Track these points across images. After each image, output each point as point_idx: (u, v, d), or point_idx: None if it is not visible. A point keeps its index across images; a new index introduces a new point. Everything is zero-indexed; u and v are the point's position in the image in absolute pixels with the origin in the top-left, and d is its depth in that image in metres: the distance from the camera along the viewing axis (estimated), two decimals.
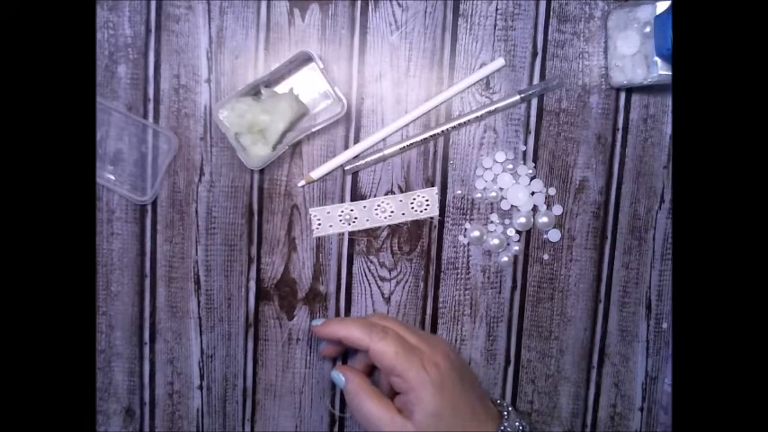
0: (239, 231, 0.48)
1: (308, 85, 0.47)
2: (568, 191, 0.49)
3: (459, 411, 0.41)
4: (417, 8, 0.47)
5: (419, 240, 0.49)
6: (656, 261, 0.49)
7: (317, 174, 0.48)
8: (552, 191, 0.48)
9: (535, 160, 0.48)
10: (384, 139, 0.48)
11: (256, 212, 0.48)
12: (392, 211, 0.48)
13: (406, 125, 0.48)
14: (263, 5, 0.47)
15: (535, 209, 0.49)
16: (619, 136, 0.48)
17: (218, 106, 0.45)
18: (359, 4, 0.47)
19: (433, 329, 0.49)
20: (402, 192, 0.48)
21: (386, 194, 0.48)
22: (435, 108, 0.48)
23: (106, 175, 0.47)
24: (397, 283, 0.49)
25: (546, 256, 0.49)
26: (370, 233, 0.49)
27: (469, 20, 0.47)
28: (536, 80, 0.48)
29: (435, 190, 0.48)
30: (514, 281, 0.49)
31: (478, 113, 0.47)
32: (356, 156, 0.48)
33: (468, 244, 0.49)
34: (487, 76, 0.48)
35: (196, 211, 0.48)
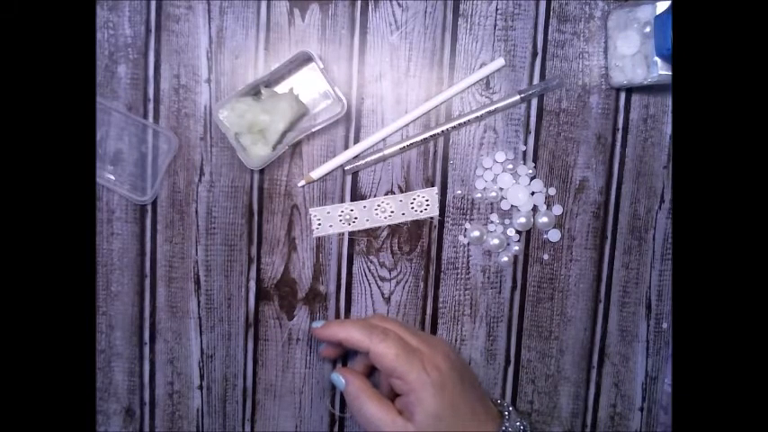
0: (239, 231, 0.48)
1: (308, 85, 0.47)
2: (568, 191, 0.49)
3: (459, 412, 0.41)
4: (417, 8, 0.47)
5: (419, 240, 0.49)
6: (656, 261, 0.49)
7: (317, 174, 0.48)
8: (552, 191, 0.48)
9: (535, 160, 0.48)
10: (384, 139, 0.48)
11: (256, 212, 0.48)
12: (392, 211, 0.48)
13: (406, 125, 0.48)
14: (263, 5, 0.47)
15: (535, 209, 0.49)
16: (619, 136, 0.48)
17: (218, 106, 0.45)
18: (359, 4, 0.47)
19: (433, 329, 0.49)
20: (402, 192, 0.48)
21: (386, 194, 0.48)
22: (435, 108, 0.48)
23: (106, 175, 0.47)
24: (397, 283, 0.49)
25: (546, 256, 0.49)
26: (370, 233, 0.49)
27: (469, 20, 0.47)
28: (536, 80, 0.48)
29: (435, 190, 0.48)
30: (514, 281, 0.49)
31: (478, 113, 0.47)
32: (356, 156, 0.48)
33: (468, 244, 0.49)
34: (487, 76, 0.48)
35: (196, 211, 0.48)
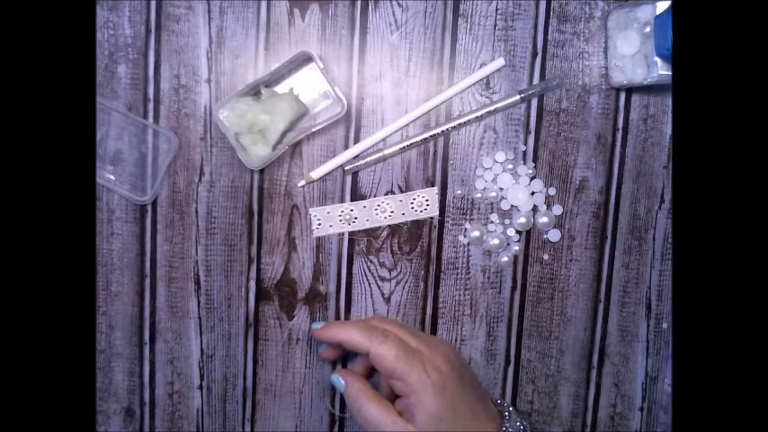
0: (239, 231, 0.48)
1: (308, 85, 0.47)
2: (568, 191, 0.49)
3: (459, 412, 0.41)
4: (417, 8, 0.47)
5: (419, 240, 0.49)
6: (656, 261, 0.49)
7: (317, 174, 0.48)
8: (552, 191, 0.48)
9: (535, 160, 0.48)
10: (384, 139, 0.48)
11: (256, 212, 0.48)
12: (392, 211, 0.48)
13: (406, 125, 0.48)
14: (263, 5, 0.47)
15: (535, 209, 0.49)
16: (619, 136, 0.48)
17: (218, 106, 0.45)
18: (359, 4, 0.47)
19: (433, 329, 0.49)
20: (402, 192, 0.48)
21: (386, 194, 0.48)
22: (435, 108, 0.48)
23: (106, 175, 0.47)
24: (397, 283, 0.49)
25: (546, 256, 0.49)
26: (370, 233, 0.49)
27: (469, 20, 0.47)
28: (536, 80, 0.48)
29: (435, 190, 0.48)
30: (514, 281, 0.49)
31: (478, 113, 0.47)
32: (356, 156, 0.48)
33: (468, 244, 0.49)
34: (487, 76, 0.48)
35: (196, 211, 0.48)
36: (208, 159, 0.48)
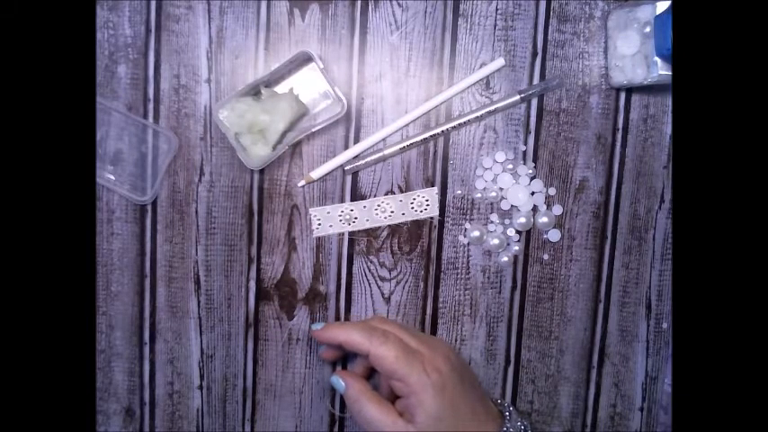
0: (239, 231, 0.48)
1: (308, 85, 0.47)
2: (568, 191, 0.49)
3: (460, 413, 0.41)
4: (417, 8, 0.47)
5: (419, 240, 0.49)
6: (656, 261, 0.49)
7: (317, 174, 0.48)
8: (552, 191, 0.48)
9: (535, 160, 0.48)
10: (384, 139, 0.48)
11: (256, 212, 0.48)
12: (392, 211, 0.48)
13: (406, 125, 0.48)
14: (263, 5, 0.47)
15: (535, 209, 0.49)
16: (619, 136, 0.48)
17: (218, 106, 0.45)
18: (359, 4, 0.47)
19: (433, 330, 0.49)
20: (402, 192, 0.48)
21: (386, 194, 0.48)
22: (435, 108, 0.48)
23: (106, 175, 0.47)
24: (397, 283, 0.49)
25: (546, 256, 0.49)
26: (370, 233, 0.49)
27: (469, 20, 0.47)
28: (536, 80, 0.48)
29: (435, 190, 0.48)
30: (514, 281, 0.49)
31: (478, 113, 0.47)
32: (356, 156, 0.48)
33: (468, 244, 0.49)
34: (487, 76, 0.48)
35: (196, 211, 0.48)
36: (208, 159, 0.48)
